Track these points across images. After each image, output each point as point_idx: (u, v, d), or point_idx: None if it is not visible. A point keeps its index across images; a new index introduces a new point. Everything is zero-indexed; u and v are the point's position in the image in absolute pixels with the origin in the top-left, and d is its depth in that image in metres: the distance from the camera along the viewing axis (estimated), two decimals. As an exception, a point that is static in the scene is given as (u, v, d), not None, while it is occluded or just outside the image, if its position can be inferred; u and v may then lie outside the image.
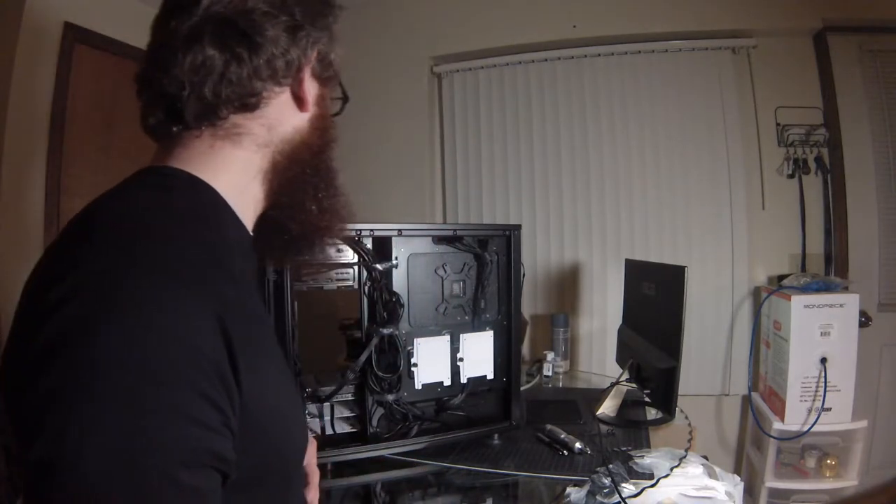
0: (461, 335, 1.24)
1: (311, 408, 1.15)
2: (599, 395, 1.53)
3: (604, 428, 1.37)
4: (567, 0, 2.22)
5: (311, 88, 0.56)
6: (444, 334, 1.23)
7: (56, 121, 1.73)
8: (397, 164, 2.41)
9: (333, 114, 0.63)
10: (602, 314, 2.23)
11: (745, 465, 2.08)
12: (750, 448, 2.05)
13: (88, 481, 0.36)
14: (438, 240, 1.23)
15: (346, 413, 1.18)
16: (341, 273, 1.13)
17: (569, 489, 1.03)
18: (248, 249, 0.56)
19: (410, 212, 2.40)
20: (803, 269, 2.04)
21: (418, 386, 1.20)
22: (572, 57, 2.26)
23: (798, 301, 1.75)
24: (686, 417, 1.41)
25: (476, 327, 1.26)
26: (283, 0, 0.52)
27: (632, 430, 1.37)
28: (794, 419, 1.76)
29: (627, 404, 1.50)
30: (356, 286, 1.14)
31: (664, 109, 2.18)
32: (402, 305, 1.16)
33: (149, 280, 0.40)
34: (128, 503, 0.36)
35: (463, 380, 1.25)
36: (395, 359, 1.16)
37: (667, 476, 1.07)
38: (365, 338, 1.15)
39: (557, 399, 1.67)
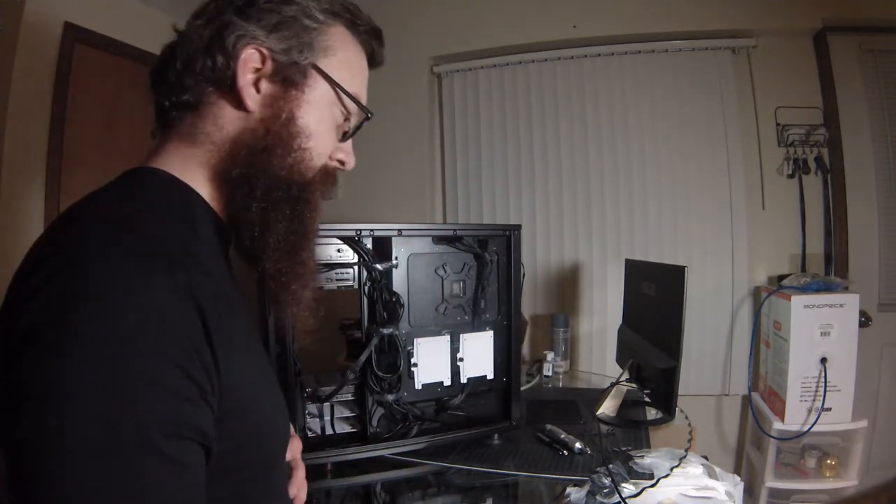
0: (461, 335, 1.24)
1: (311, 408, 1.15)
2: (599, 395, 1.53)
3: (604, 428, 1.37)
4: (567, 0, 2.22)
5: (265, 88, 0.55)
6: (444, 334, 1.23)
7: (56, 121, 1.73)
8: (397, 164, 2.41)
9: (347, 133, 0.65)
10: (602, 314, 2.23)
11: (745, 465, 2.08)
12: (750, 448, 2.05)
13: (72, 454, 0.37)
14: (438, 240, 1.23)
15: (346, 413, 1.19)
16: (341, 273, 1.13)
17: (569, 489, 1.03)
18: (221, 242, 0.57)
19: (410, 212, 2.40)
20: (803, 269, 2.04)
21: (418, 386, 1.20)
22: (572, 57, 2.26)
23: (798, 301, 1.75)
24: (686, 417, 1.41)
25: (476, 327, 1.26)
26: (217, 2, 0.56)
27: (632, 430, 1.36)
28: (794, 419, 1.76)
29: (627, 404, 1.50)
30: (356, 286, 1.14)
31: (664, 109, 2.18)
32: (402, 305, 1.16)
33: (125, 262, 0.42)
34: (111, 473, 0.38)
35: (463, 380, 1.25)
36: (395, 359, 1.16)
37: (667, 476, 1.07)
38: (365, 338, 1.15)
39: (557, 399, 1.67)
